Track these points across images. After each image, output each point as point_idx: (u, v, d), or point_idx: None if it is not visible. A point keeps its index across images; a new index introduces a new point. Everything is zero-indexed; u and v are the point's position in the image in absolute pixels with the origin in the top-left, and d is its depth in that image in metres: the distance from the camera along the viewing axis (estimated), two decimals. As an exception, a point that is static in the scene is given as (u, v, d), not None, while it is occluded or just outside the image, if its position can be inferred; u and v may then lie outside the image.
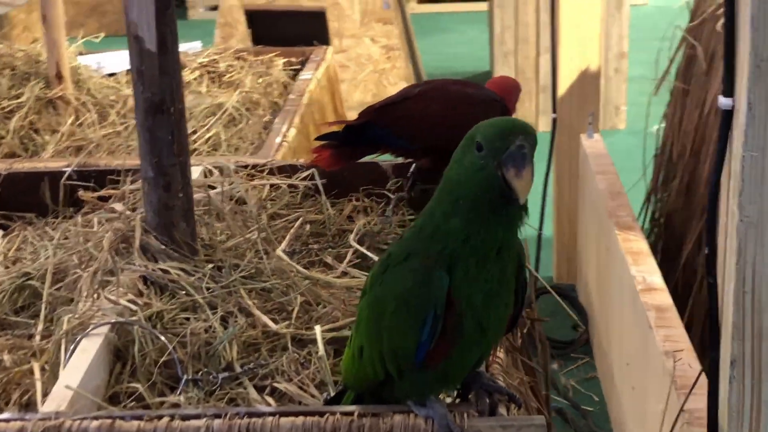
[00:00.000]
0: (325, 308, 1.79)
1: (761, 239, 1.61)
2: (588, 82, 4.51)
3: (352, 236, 2.07)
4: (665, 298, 3.12)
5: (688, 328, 3.22)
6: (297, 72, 4.52)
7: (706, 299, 3.65)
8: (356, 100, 7.16)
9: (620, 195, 3.82)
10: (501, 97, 2.35)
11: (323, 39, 4.90)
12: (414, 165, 2.37)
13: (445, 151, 2.32)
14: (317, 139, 2.28)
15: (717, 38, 3.75)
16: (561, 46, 4.50)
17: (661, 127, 4.95)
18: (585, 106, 4.53)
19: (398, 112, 2.28)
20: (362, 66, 7.33)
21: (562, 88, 4.53)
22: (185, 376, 1.60)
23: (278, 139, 3.54)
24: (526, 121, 1.41)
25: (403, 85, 7.38)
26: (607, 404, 3.84)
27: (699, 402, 2.64)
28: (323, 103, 4.38)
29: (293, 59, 4.68)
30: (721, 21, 3.54)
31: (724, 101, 1.65)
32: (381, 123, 2.26)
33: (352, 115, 5.66)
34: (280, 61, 4.61)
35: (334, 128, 2.28)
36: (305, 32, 4.91)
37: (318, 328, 1.69)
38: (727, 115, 1.66)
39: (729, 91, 1.65)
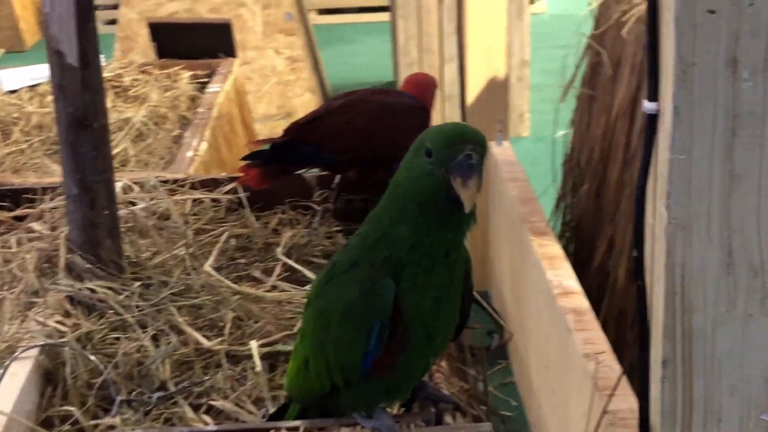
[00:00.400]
0: (258, 323, 1.77)
1: (689, 240, 1.63)
2: (495, 90, 4.55)
3: (279, 249, 2.04)
4: (582, 302, 3.15)
5: (603, 330, 3.26)
6: (204, 85, 4.47)
7: (619, 301, 3.72)
8: (261, 112, 7.13)
9: (532, 201, 3.85)
10: (420, 100, 2.36)
11: (229, 51, 4.86)
12: (338, 176, 2.36)
13: (372, 162, 2.34)
14: (244, 159, 2.26)
15: (622, 45, 3.81)
16: (468, 55, 4.53)
17: (566, 133, 5.02)
18: (493, 113, 4.57)
19: (323, 127, 2.27)
20: (266, 78, 7.29)
21: (471, 97, 4.57)
22: (119, 397, 1.57)
23: (190, 153, 3.49)
24: (477, 129, 1.41)
25: (308, 96, 7.36)
26: (525, 408, 3.86)
27: (621, 403, 2.68)
28: (232, 115, 4.34)
29: (199, 72, 4.64)
30: (627, 27, 3.61)
31: (648, 106, 1.67)
32: (307, 139, 2.25)
33: (259, 128, 5.62)
34: (186, 74, 4.57)
35: (260, 147, 2.27)
36: (210, 45, 4.86)
37: (254, 344, 1.67)
38: (652, 119, 1.68)
39: (653, 95, 1.67)
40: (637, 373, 3.56)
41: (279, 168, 2.24)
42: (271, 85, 7.31)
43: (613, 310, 3.72)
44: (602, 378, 2.71)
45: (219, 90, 4.28)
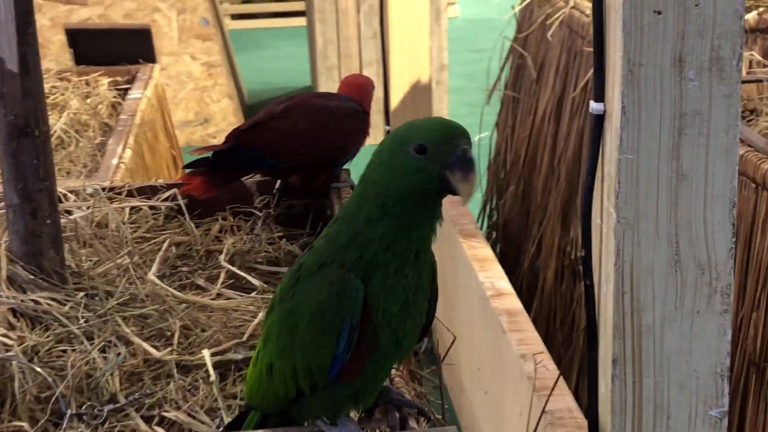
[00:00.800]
0: (206, 332, 1.74)
1: (638, 239, 1.65)
2: (419, 93, 4.57)
3: (222, 256, 2.02)
4: (515, 303, 3.18)
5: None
6: (125, 91, 4.41)
7: (548, 302, 3.75)
8: (178, 118, 7.06)
9: (458, 203, 3.87)
10: (359, 102, 2.35)
11: (149, 57, 4.79)
12: (279, 181, 2.34)
13: (315, 166, 2.33)
14: (186, 167, 2.22)
15: (546, 47, 3.84)
16: (391, 59, 4.54)
17: (485, 136, 5.05)
18: (418, 116, 4.57)
19: (266, 132, 2.24)
20: (183, 84, 7.23)
21: (395, 101, 4.58)
22: (69, 411, 1.53)
23: (114, 161, 3.44)
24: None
25: (226, 102, 7.31)
26: (456, 411, 3.88)
27: (559, 402, 2.71)
28: (154, 121, 4.29)
29: (119, 78, 4.57)
30: (552, 30, 3.64)
31: (595, 106, 1.69)
32: (249, 145, 2.22)
33: (179, 135, 5.56)
34: (105, 81, 4.50)
35: (202, 155, 2.23)
36: (129, 50, 4.79)
37: (206, 353, 1.64)
38: (598, 120, 1.69)
39: (600, 96, 1.69)
40: (569, 372, 3.59)
41: (223, 175, 2.21)
42: (188, 91, 7.25)
43: (543, 310, 3.75)
44: (539, 378, 2.73)
45: (140, 96, 4.22)
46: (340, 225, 1.40)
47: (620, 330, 1.69)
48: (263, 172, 2.30)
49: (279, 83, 8.81)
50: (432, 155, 1.34)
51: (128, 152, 3.54)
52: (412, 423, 1.43)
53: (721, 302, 1.68)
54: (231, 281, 1.98)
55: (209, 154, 2.21)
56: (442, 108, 7.36)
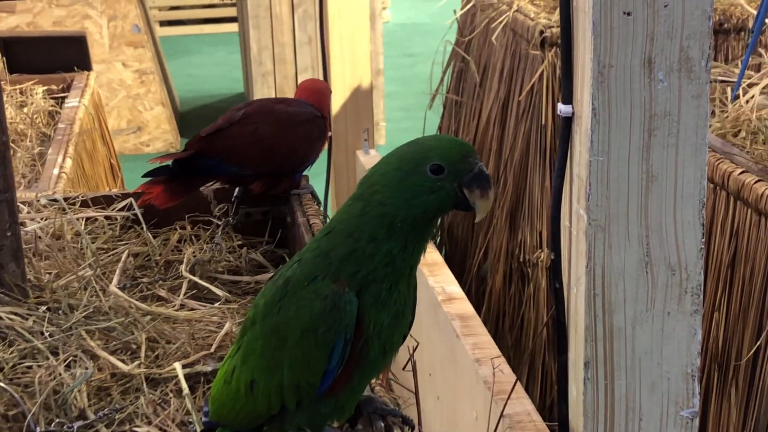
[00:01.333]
0: (173, 344, 1.70)
1: (609, 241, 1.65)
2: (361, 98, 4.54)
3: (183, 266, 1.97)
4: (467, 307, 3.17)
5: (485, 334, 3.28)
6: (61, 100, 4.33)
7: (496, 306, 3.75)
8: (110, 126, 6.94)
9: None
10: (318, 108, 2.33)
11: (84, 64, 4.71)
12: (238, 189, 2.30)
13: (276, 173, 2.30)
14: (146, 175, 2.17)
15: (489, 51, 3.85)
16: (332, 64, 4.51)
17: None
18: (359, 122, 4.55)
19: (227, 138, 2.20)
20: (114, 92, 7.13)
21: (336, 106, 4.54)
22: (38, 429, 1.48)
23: (55, 171, 3.37)
24: None
25: (159, 110, 7.22)
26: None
27: (517, 406, 2.70)
28: (92, 130, 4.21)
29: (54, 87, 4.48)
30: (495, 34, 3.65)
31: (563, 108, 1.68)
32: (210, 152, 2.18)
33: (118, 141, 5.46)
34: (40, 90, 4.41)
35: (162, 163, 2.18)
36: (64, 58, 4.71)
37: (178, 366, 1.60)
38: (567, 122, 1.69)
39: (568, 98, 1.68)
40: (520, 376, 3.59)
41: (183, 184, 2.16)
42: (120, 99, 7.15)
43: (492, 314, 3.76)
44: (496, 382, 2.72)
45: (78, 104, 4.14)
46: (332, 240, 1.37)
47: (592, 332, 1.68)
48: (224, 179, 2.26)
49: (211, 90, 8.73)
50: (450, 175, 1.36)
51: (69, 162, 3.47)
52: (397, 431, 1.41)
53: (692, 302, 1.68)
54: (193, 291, 1.94)
55: (169, 162, 2.16)
56: (379, 113, 7.36)
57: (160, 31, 10.68)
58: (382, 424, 1.42)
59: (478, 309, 3.77)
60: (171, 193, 2.13)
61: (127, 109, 7.20)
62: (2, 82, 4.42)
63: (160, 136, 7.29)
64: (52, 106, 4.14)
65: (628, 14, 1.55)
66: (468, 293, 3.92)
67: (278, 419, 1.40)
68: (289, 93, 6.96)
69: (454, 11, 4.14)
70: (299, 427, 1.40)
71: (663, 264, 1.66)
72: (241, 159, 2.18)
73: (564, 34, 1.66)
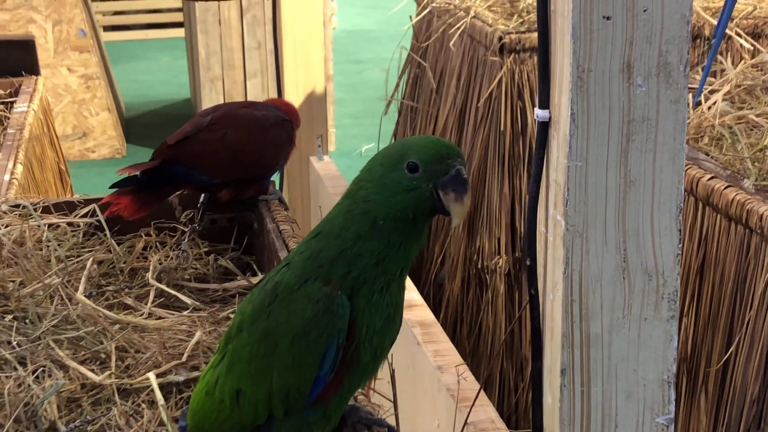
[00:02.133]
0: (142, 353, 1.65)
1: (586, 247, 1.64)
2: (315, 104, 4.51)
3: (150, 274, 1.93)
4: (427, 314, 3.15)
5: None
6: (8, 105, 4.24)
7: (454, 312, 3.73)
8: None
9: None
10: (286, 111, 2.30)
11: (32, 68, 4.63)
12: (203, 195, 2.26)
13: (245, 180, 2.26)
14: (113, 186, 2.10)
15: (446, 57, 3.84)
16: (285, 69, 4.47)
17: (371, 147, 5.01)
18: (313, 128, 4.52)
19: (195, 145, 2.15)
20: (60, 97, 7.02)
21: (289, 112, 4.50)
22: (8, 443, 1.43)
23: (6, 177, 3.29)
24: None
25: (105, 115, 7.13)
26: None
27: (480, 413, 2.69)
28: (41, 135, 4.14)
29: (1, 91, 4.40)
30: (453, 40, 3.64)
31: (540, 113, 1.67)
32: (178, 160, 2.13)
33: (63, 147, 5.39)
34: (-13, 94, 4.32)
35: (130, 173, 2.12)
36: (10, 62, 4.62)
37: (152, 376, 1.56)
38: (543, 127, 1.68)
39: (545, 102, 1.67)
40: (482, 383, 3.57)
41: (152, 194, 2.11)
42: (66, 104, 7.05)
43: (449, 321, 3.74)
44: (460, 389, 2.71)
45: (27, 109, 4.06)
46: (322, 241, 1.34)
47: (569, 339, 1.67)
48: (193, 187, 2.21)
49: (157, 96, 8.64)
50: (425, 174, 1.33)
51: (19, 167, 3.40)
52: (383, 441, 1.38)
53: (668, 308, 1.68)
54: (160, 300, 1.89)
55: (137, 173, 2.10)
56: (328, 119, 7.32)
57: (105, 36, 10.56)
58: (369, 435, 1.39)
59: (435, 316, 3.75)
60: (139, 203, 2.08)
61: (73, 115, 7.10)
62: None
63: (106, 142, 7.19)
64: (1, 110, 4.06)
65: (608, 18, 1.55)
66: (426, 300, 3.91)
67: (264, 430, 1.37)
68: (238, 98, 6.90)
69: (410, 17, 4.13)
70: (286, 436, 1.36)
71: (640, 269, 1.65)
72: (210, 166, 2.14)
73: (541, 38, 1.65)
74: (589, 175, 1.60)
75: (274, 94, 6.37)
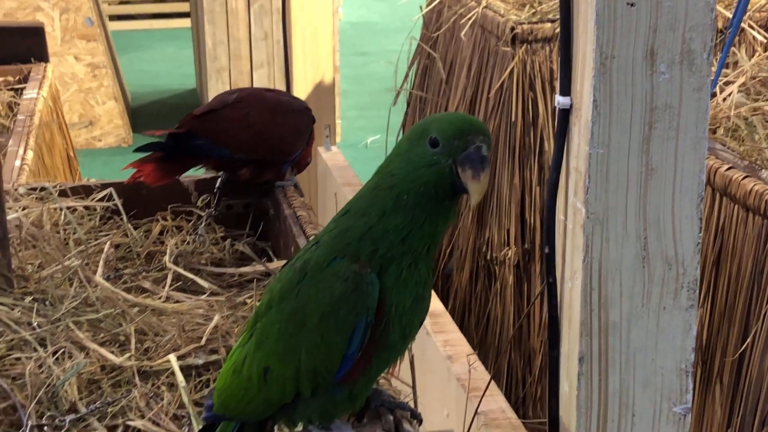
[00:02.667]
0: (161, 336, 1.65)
1: (606, 235, 1.63)
2: (323, 95, 4.50)
3: (167, 258, 1.93)
4: (436, 304, 3.15)
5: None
6: (17, 91, 4.25)
7: (462, 303, 3.73)
8: (62, 121, 6.84)
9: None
10: (304, 101, 2.32)
11: (41, 55, 4.63)
12: (219, 180, 2.27)
13: (264, 162, 2.27)
14: (138, 150, 2.12)
15: (456, 47, 3.83)
16: (294, 60, 4.46)
17: (377, 138, 5.01)
18: (321, 119, 4.51)
19: (219, 120, 2.17)
20: (66, 85, 7.01)
21: (298, 102, 4.50)
22: (29, 422, 1.43)
23: (17, 163, 3.30)
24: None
25: (112, 104, 7.13)
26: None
27: (491, 403, 2.69)
28: (50, 122, 4.15)
29: (10, 78, 4.40)
30: (465, 30, 3.63)
31: (561, 100, 1.66)
32: (201, 132, 2.15)
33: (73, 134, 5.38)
34: (-4, 81, 4.33)
35: (156, 135, 2.14)
36: (19, 49, 4.62)
37: (173, 358, 1.55)
38: (564, 114, 1.67)
39: (566, 89, 1.66)
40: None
41: (175, 163, 2.13)
42: (72, 93, 7.04)
43: (457, 311, 3.74)
44: (471, 379, 2.71)
45: (37, 96, 4.06)
46: (350, 219, 1.34)
47: (587, 327, 1.66)
48: (214, 162, 2.23)
49: (162, 86, 8.64)
50: (445, 149, 1.32)
51: (30, 153, 3.41)
52: (406, 425, 1.38)
53: (687, 297, 1.67)
54: (178, 283, 1.89)
55: (161, 138, 2.13)
56: (335, 111, 7.32)
57: (111, 26, 10.54)
58: (391, 418, 1.39)
59: (443, 306, 3.75)
60: (162, 172, 2.11)
61: (79, 103, 7.09)
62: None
63: (112, 131, 7.19)
64: (12, 96, 4.06)
65: (632, 5, 1.54)
66: (434, 290, 3.91)
67: (290, 408, 1.36)
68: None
69: (420, 7, 4.12)
70: (310, 419, 1.36)
71: (660, 258, 1.65)
72: (232, 142, 2.16)
73: (563, 24, 1.64)
74: (611, 163, 1.59)
75: (281, 85, 6.37)
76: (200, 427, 1.45)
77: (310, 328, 1.31)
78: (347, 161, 4.29)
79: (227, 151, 2.16)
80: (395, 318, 1.33)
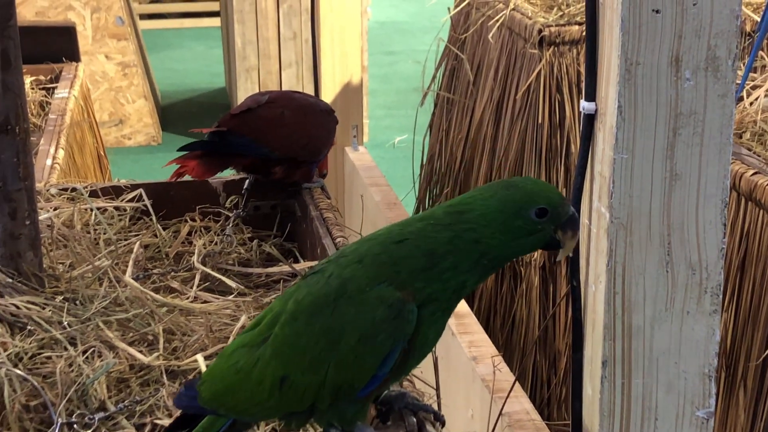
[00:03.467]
0: (189, 336, 1.68)
1: (630, 240, 1.64)
2: (351, 95, 4.52)
3: (195, 258, 1.95)
4: (462, 305, 3.16)
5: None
6: (49, 90, 4.29)
7: (487, 303, 3.74)
8: (92, 119, 6.89)
9: (397, 206, 3.83)
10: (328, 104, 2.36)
11: (72, 55, 4.67)
12: (247, 181, 2.30)
13: (297, 161, 2.31)
14: (181, 149, 2.20)
15: (484, 49, 3.84)
16: (322, 59, 4.49)
17: (404, 138, 5.02)
18: (348, 119, 4.54)
19: (257, 119, 2.24)
20: (97, 84, 7.07)
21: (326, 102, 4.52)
22: (59, 420, 1.45)
23: (48, 162, 3.34)
24: None
25: (141, 103, 7.18)
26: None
27: (515, 405, 2.70)
28: (81, 121, 4.19)
29: (42, 77, 4.45)
30: (493, 32, 3.64)
31: (587, 105, 1.67)
32: (241, 131, 2.21)
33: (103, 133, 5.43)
34: (28, 80, 4.36)
35: (202, 132, 2.22)
36: (51, 49, 4.67)
37: (200, 358, 1.58)
38: (589, 119, 1.68)
39: (591, 95, 1.68)
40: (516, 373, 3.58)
41: (218, 159, 2.20)
42: (103, 92, 7.10)
43: (483, 313, 3.75)
44: (495, 380, 2.72)
45: (68, 95, 4.11)
46: (407, 250, 1.37)
47: (611, 331, 1.68)
48: (252, 160, 2.28)
49: (192, 84, 8.69)
50: (551, 217, 1.42)
51: (61, 152, 3.44)
52: (429, 427, 1.40)
53: (711, 302, 1.68)
54: (205, 284, 1.92)
55: (205, 136, 2.21)
56: (363, 110, 7.34)
57: (141, 24, 10.61)
58: (414, 420, 1.41)
59: (468, 307, 3.76)
60: (206, 167, 2.19)
61: (110, 102, 7.15)
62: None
63: (142, 130, 7.25)
64: (44, 96, 4.10)
65: (657, 12, 1.55)
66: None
67: (302, 415, 1.39)
68: (273, 88, 6.93)
69: (448, 8, 4.13)
70: (329, 421, 1.38)
71: (683, 263, 1.65)
72: (271, 140, 2.22)
73: (589, 31, 1.65)
74: (635, 168, 1.61)
75: (309, 84, 6.40)
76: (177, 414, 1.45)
77: (345, 347, 1.34)
78: (374, 161, 4.31)
79: (266, 149, 2.22)
80: (418, 347, 1.38)
